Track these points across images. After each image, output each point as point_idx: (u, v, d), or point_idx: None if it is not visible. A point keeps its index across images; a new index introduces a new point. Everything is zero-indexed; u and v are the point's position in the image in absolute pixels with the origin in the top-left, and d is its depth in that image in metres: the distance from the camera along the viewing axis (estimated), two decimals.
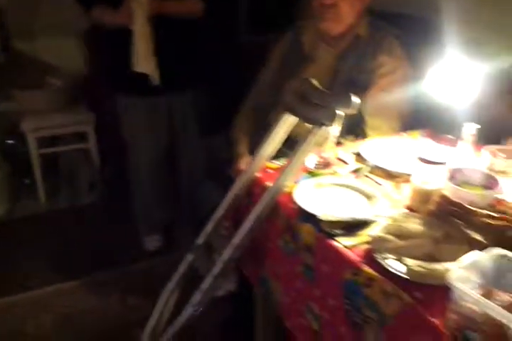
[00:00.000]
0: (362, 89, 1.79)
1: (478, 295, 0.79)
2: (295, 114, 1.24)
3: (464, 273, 0.86)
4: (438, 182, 1.17)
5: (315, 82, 1.28)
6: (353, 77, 1.80)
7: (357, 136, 1.83)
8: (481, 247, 1.01)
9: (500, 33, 1.93)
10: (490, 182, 1.24)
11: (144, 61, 2.03)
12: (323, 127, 1.17)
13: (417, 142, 1.51)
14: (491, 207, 1.21)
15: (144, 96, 2.21)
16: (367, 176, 1.35)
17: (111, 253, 2.46)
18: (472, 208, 1.08)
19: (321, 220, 1.13)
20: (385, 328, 0.92)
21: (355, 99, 1.17)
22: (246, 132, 1.91)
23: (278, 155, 1.42)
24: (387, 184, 1.32)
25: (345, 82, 1.80)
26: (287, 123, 1.28)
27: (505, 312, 0.76)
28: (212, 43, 2.47)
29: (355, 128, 1.85)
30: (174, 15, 2.04)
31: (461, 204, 1.08)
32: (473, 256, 0.88)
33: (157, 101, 2.24)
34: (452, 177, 1.27)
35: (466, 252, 0.94)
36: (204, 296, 1.22)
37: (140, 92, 2.19)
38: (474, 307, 0.80)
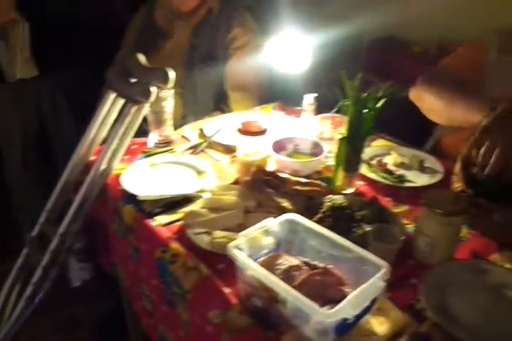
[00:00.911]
0: (221, 63, 1.79)
1: (251, 261, 0.79)
2: (117, 91, 1.19)
3: (251, 241, 0.87)
4: (261, 153, 1.18)
5: (141, 58, 1.23)
6: (210, 52, 1.78)
7: (223, 111, 1.83)
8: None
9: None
10: (318, 150, 1.27)
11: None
12: (140, 104, 1.13)
13: (251, 115, 1.52)
14: (318, 173, 1.25)
15: (8, 84, 2.07)
16: (206, 152, 1.34)
17: None
18: (284, 176, 1.09)
19: (142, 200, 1.11)
20: (187, 302, 0.92)
21: (172, 74, 1.14)
22: None
23: None
24: (225, 158, 1.31)
25: (203, 57, 1.78)
26: (113, 102, 1.23)
27: (272, 277, 0.76)
28: (83, 25, 2.34)
29: (220, 104, 1.85)
30: None
31: (274, 173, 1.10)
32: (264, 222, 0.89)
33: (23, 87, 2.10)
34: (283, 147, 1.29)
35: None
36: (37, 288, 1.18)
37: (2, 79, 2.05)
38: (253, 274, 0.81)
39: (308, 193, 1.07)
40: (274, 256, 0.86)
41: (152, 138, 1.36)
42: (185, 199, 1.12)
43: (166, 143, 1.36)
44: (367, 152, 1.31)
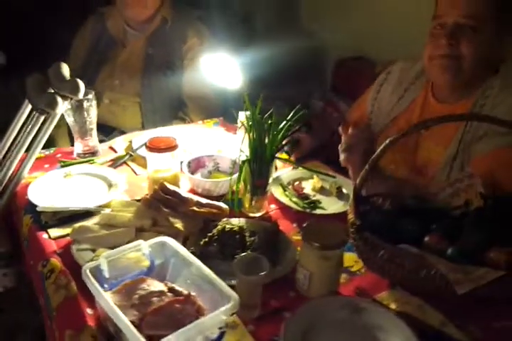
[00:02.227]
0: (178, 72, 1.78)
1: (98, 287, 0.76)
2: (30, 101, 1.18)
3: (117, 262, 0.84)
4: (171, 170, 1.16)
5: (63, 67, 1.21)
6: (167, 61, 1.78)
7: (183, 120, 1.82)
8: (181, 235, 1.01)
9: None
10: (236, 169, 1.24)
11: None
12: (47, 114, 1.11)
13: (184, 130, 1.51)
14: (233, 193, 1.22)
15: None
16: (128, 165, 1.32)
17: None
18: (186, 196, 1.07)
19: (41, 211, 1.09)
20: (54, 320, 0.89)
21: (82, 85, 1.12)
22: None
23: None
24: (145, 172, 1.29)
25: (160, 66, 1.78)
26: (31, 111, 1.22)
27: (112, 305, 0.73)
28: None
29: (178, 113, 1.84)
30: None
31: (175, 192, 1.07)
32: (134, 244, 0.87)
33: None
34: (203, 165, 1.27)
35: None
36: None
37: None
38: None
39: (204, 215, 1.04)
40: (138, 281, 0.83)
41: (77, 148, 1.34)
42: (87, 213, 1.10)
43: (90, 154, 1.34)
44: (288, 175, 1.28)
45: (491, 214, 0.93)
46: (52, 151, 1.37)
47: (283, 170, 1.31)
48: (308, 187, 1.23)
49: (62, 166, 1.28)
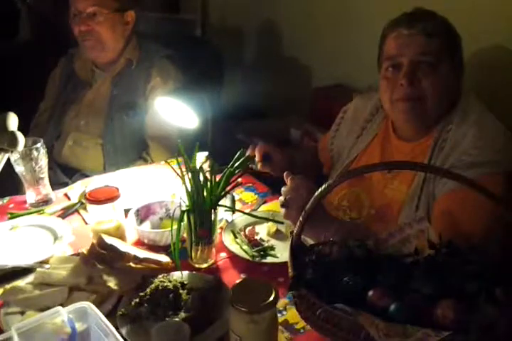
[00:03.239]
0: (141, 113, 1.75)
1: None
2: None
3: (33, 331, 0.79)
4: (112, 221, 1.11)
5: (8, 118, 1.18)
6: (130, 101, 1.76)
7: (145, 161, 1.78)
8: (115, 294, 0.96)
9: None
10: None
11: None
12: None
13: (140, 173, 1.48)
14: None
15: None
16: (80, 214, 1.28)
17: None
18: (122, 251, 1.01)
19: None
20: None
21: (21, 138, 1.10)
22: None
23: None
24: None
25: (123, 107, 1.75)
26: None
27: None
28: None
29: (142, 153, 1.80)
30: None
31: (112, 246, 1.02)
32: (51, 311, 0.81)
33: None
34: (153, 212, 1.23)
35: (94, 301, 0.89)
36: None
37: None
38: None
39: (141, 271, 0.98)
40: None
41: (30, 197, 1.31)
42: (28, 270, 1.06)
43: (43, 202, 1.31)
44: (244, 218, 1.22)
45: (441, 264, 0.87)
46: (5, 201, 1.34)
47: (239, 213, 1.25)
48: (263, 231, 1.18)
49: (10, 218, 1.24)
